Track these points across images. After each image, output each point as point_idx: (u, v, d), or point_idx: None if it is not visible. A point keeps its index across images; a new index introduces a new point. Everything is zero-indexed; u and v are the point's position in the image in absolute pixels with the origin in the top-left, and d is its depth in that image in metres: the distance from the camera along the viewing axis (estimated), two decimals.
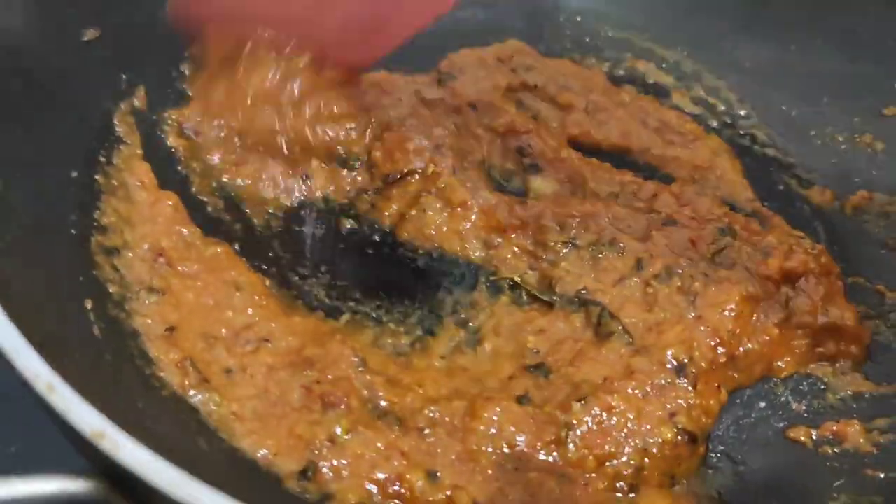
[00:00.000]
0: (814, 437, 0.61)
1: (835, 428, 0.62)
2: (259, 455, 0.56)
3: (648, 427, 0.59)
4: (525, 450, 0.58)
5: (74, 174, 0.65)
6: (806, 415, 0.63)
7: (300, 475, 0.55)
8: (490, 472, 0.57)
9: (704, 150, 0.79)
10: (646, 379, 0.61)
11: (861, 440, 0.61)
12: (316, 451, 0.56)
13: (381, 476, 0.55)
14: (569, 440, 0.58)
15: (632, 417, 0.59)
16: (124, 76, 0.71)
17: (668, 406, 0.60)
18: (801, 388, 0.65)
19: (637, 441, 0.59)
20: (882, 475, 0.59)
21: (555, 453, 0.58)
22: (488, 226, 0.70)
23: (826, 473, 0.60)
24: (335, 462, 0.56)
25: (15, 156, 0.59)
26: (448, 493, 0.56)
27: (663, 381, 0.61)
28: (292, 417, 0.58)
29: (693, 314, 0.64)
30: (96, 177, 0.67)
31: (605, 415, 0.59)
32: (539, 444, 0.58)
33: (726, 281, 0.65)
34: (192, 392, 0.58)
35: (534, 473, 0.57)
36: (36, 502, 0.35)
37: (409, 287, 0.68)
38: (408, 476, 0.56)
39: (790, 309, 0.66)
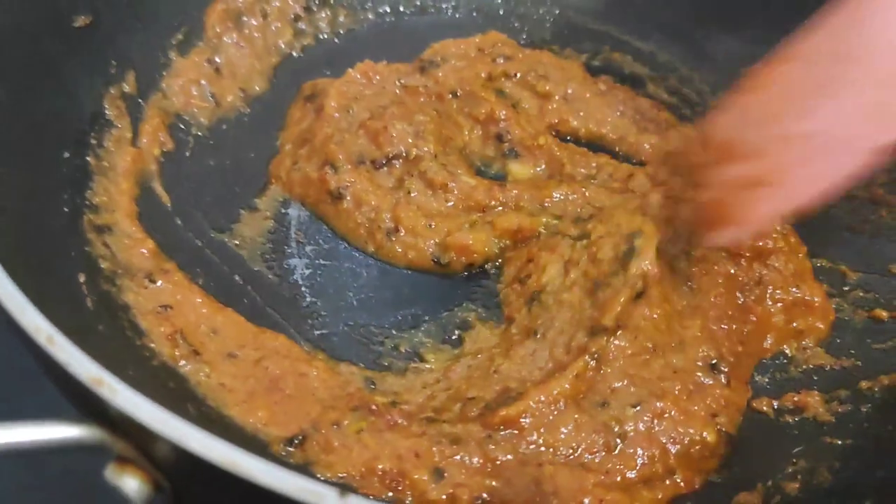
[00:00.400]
0: (775, 407, 0.64)
1: (796, 398, 0.64)
2: (249, 422, 0.58)
3: (692, 430, 0.60)
4: (572, 457, 0.58)
5: (66, 155, 0.67)
6: (769, 387, 0.66)
7: (287, 441, 0.58)
8: (504, 470, 0.57)
9: (678, 137, 0.82)
10: (688, 378, 0.62)
11: (821, 409, 0.64)
12: (314, 428, 0.58)
13: (382, 467, 0.56)
14: (617, 447, 0.59)
15: (680, 419, 0.60)
16: (114, 62, 0.74)
17: (711, 406, 0.61)
18: (765, 362, 0.67)
19: (680, 445, 0.59)
20: (840, 442, 0.61)
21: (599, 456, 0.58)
22: (468, 207, 0.73)
23: (787, 440, 0.62)
24: (335, 443, 0.57)
25: (6, 136, 0.61)
26: (451, 491, 0.55)
27: (702, 380, 0.62)
28: (301, 400, 0.60)
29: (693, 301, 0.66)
30: (87, 158, 0.69)
31: (656, 420, 0.59)
32: (587, 452, 0.58)
33: (703, 261, 0.68)
34: (182, 362, 0.60)
35: (550, 466, 0.57)
36: (38, 448, 0.37)
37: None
38: (414, 474, 0.56)
39: (763, 285, 0.69)
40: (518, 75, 0.85)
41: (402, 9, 0.91)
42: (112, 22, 0.73)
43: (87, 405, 0.37)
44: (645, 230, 0.63)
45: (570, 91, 0.83)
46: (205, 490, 0.40)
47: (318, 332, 0.67)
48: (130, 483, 0.39)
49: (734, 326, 0.66)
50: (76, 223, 0.65)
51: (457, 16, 0.93)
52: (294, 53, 0.87)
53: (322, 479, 0.55)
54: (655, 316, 0.62)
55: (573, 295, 0.64)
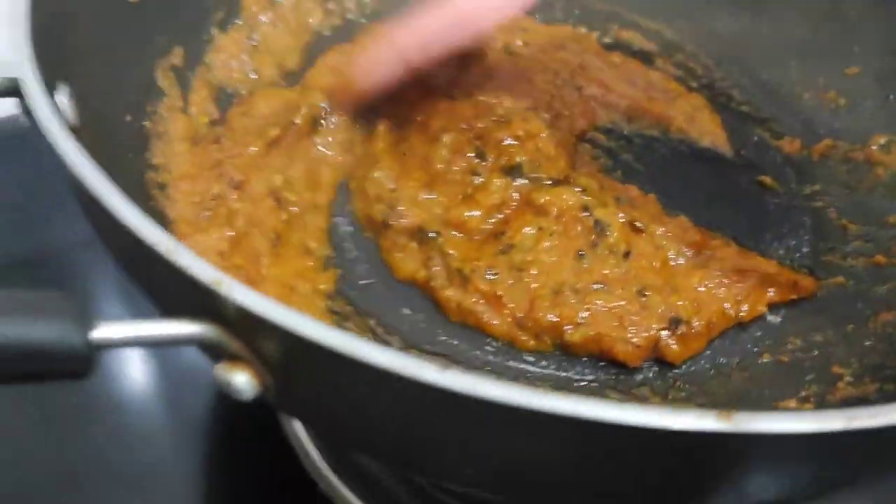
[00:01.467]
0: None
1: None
2: None
3: None
4: None
5: (128, 118, 0.72)
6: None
7: None
8: None
9: (686, 105, 0.88)
10: None
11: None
12: None
13: None
14: None
15: None
16: (164, 37, 0.79)
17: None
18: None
19: None
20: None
21: None
22: None
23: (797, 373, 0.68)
24: None
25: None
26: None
27: None
28: None
29: None
30: (145, 123, 0.74)
31: None
32: None
33: None
34: None
35: None
36: (162, 341, 0.42)
37: None
38: None
39: None
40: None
41: None
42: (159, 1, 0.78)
43: (205, 305, 0.42)
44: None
45: (586, 61, 0.89)
46: (307, 382, 0.45)
47: None
48: (240, 378, 0.44)
49: None
50: (140, 181, 0.70)
51: None
52: (325, 33, 0.92)
53: None
54: None
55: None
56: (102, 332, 0.41)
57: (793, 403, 0.65)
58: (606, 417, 0.38)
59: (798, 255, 0.77)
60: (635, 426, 0.37)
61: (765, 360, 0.69)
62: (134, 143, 0.72)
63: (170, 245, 0.43)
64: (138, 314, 0.84)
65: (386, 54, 0.70)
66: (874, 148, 0.82)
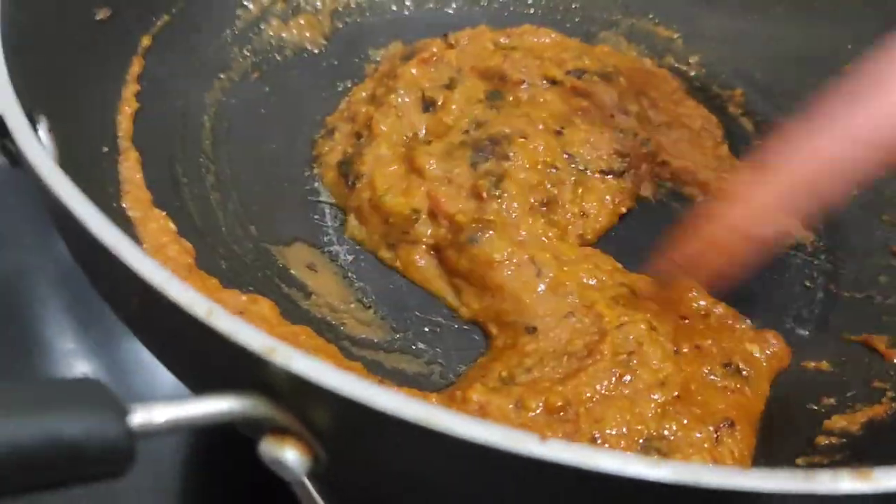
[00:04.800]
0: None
1: None
2: None
3: None
4: None
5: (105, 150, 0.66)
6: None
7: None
8: None
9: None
10: None
11: None
12: None
13: None
14: None
15: None
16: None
17: None
18: None
19: None
20: None
21: None
22: None
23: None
24: None
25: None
26: None
27: None
28: None
29: None
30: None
31: None
32: None
33: None
34: None
35: None
36: (199, 423, 0.36)
37: None
38: None
39: None
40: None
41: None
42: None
43: (252, 374, 0.37)
44: None
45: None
46: (366, 452, 0.40)
47: None
48: (290, 454, 0.39)
49: None
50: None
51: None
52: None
53: None
54: None
55: None
56: (141, 416, 0.35)
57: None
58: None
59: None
60: None
61: None
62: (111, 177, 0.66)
63: (208, 307, 0.38)
64: (95, 347, 0.77)
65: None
66: None
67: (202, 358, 0.40)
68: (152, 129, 0.70)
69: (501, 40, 0.84)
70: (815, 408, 0.63)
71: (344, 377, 0.36)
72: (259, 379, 0.38)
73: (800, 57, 0.88)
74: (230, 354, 0.37)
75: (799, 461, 0.59)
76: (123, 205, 0.64)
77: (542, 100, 0.76)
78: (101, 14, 0.68)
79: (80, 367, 0.78)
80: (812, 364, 0.66)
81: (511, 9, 0.93)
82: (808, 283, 0.72)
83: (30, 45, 0.56)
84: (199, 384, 0.44)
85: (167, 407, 0.36)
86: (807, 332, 0.69)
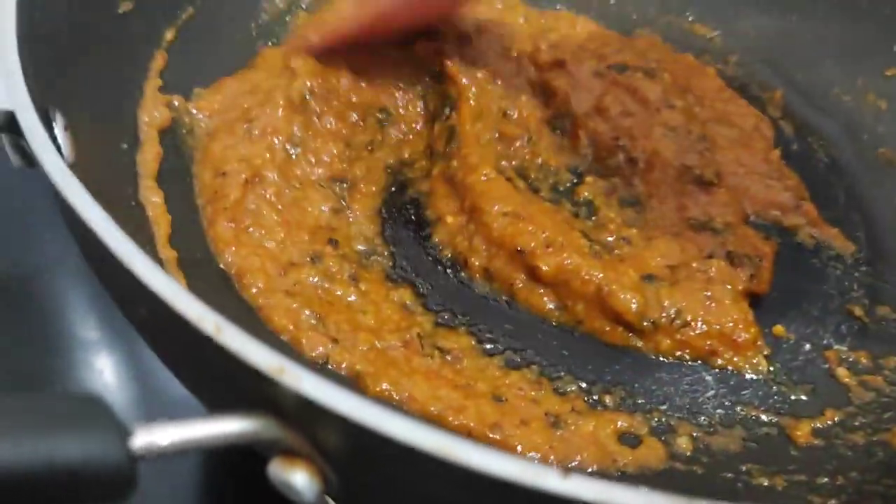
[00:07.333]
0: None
1: None
2: None
3: None
4: None
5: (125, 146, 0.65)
6: None
7: None
8: None
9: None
10: None
11: None
12: None
13: None
14: None
15: None
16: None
17: None
18: None
19: None
20: None
21: None
22: None
23: None
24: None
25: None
26: None
27: None
28: None
29: None
30: None
31: None
32: None
33: None
34: None
35: None
36: (207, 445, 0.35)
37: None
38: None
39: None
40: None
41: None
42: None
43: (259, 394, 0.35)
44: None
45: None
46: (379, 478, 0.38)
47: None
48: (300, 478, 0.37)
49: None
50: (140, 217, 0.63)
51: None
52: None
53: None
54: None
55: None
56: (143, 438, 0.33)
57: None
58: None
59: None
60: None
61: None
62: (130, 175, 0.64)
63: (217, 322, 0.36)
64: (118, 339, 0.76)
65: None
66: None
67: (212, 375, 0.39)
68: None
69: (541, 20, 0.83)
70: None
71: (356, 401, 0.34)
72: (268, 399, 0.36)
73: (843, 58, 0.85)
74: (239, 373, 0.36)
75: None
76: (142, 202, 0.63)
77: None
78: (124, 6, 0.66)
79: (103, 358, 0.77)
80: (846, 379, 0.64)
81: None
82: (847, 296, 0.69)
83: (48, 39, 0.55)
84: (212, 401, 0.42)
85: (171, 428, 0.34)
86: (845, 348, 0.66)
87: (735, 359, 0.62)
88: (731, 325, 0.62)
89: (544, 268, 0.63)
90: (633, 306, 0.62)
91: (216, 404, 0.37)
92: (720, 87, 0.82)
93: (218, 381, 0.39)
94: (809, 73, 0.86)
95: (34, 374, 0.75)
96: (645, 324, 0.62)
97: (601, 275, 0.62)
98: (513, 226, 0.65)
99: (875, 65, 0.84)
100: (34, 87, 0.47)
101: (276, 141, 0.68)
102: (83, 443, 0.31)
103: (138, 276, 0.37)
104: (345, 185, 0.69)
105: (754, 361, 0.63)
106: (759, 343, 0.63)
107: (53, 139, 0.46)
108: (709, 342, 0.62)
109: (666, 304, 0.62)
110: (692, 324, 0.62)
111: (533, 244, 0.64)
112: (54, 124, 0.51)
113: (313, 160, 0.68)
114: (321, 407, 0.34)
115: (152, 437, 0.34)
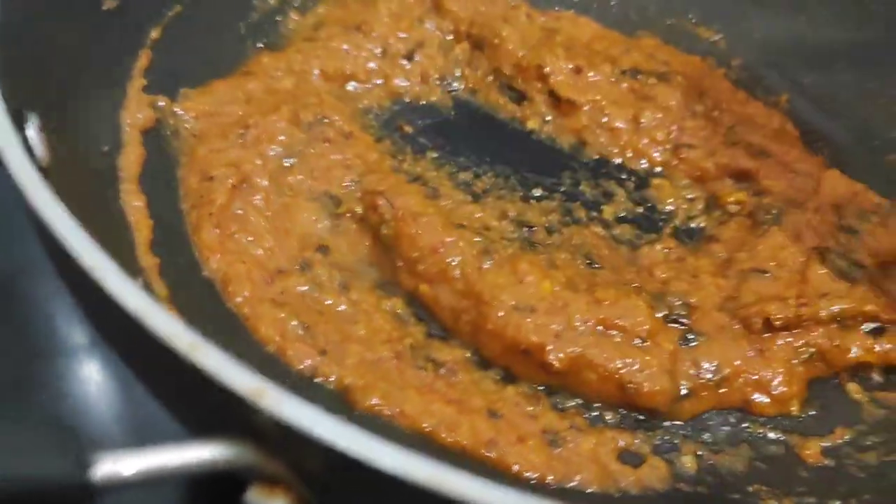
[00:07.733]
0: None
1: None
2: None
3: None
4: None
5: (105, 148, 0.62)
6: None
7: None
8: None
9: None
10: None
11: None
12: None
13: None
14: None
15: None
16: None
17: None
18: None
19: None
20: None
21: None
22: None
23: None
24: None
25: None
26: None
27: None
28: None
29: None
30: None
31: None
32: None
33: None
34: None
35: None
36: (181, 473, 0.32)
37: None
38: None
39: None
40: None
41: None
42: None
43: (237, 418, 0.32)
44: None
45: None
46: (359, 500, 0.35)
47: None
48: None
49: None
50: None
51: None
52: None
53: None
54: None
55: None
56: (105, 468, 0.31)
57: None
58: None
59: None
60: None
61: None
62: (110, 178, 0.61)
63: (191, 340, 0.33)
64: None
65: None
66: None
67: (188, 397, 0.36)
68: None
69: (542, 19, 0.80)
70: None
71: (342, 428, 0.32)
72: (247, 423, 0.33)
73: (852, 62, 0.82)
74: (215, 396, 0.33)
75: None
76: (123, 207, 0.60)
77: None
78: (108, 3, 0.64)
79: (89, 364, 0.74)
80: None
81: None
82: None
83: (27, 37, 0.52)
84: (188, 423, 0.40)
85: (138, 457, 0.32)
86: None
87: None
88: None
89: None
90: None
91: (193, 427, 0.35)
92: (732, 89, 0.80)
93: (194, 403, 0.36)
94: (818, 76, 0.83)
95: (19, 381, 0.72)
96: None
97: None
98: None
99: (887, 67, 0.81)
100: (5, 85, 0.44)
101: (272, 150, 0.65)
102: (41, 470, 0.29)
103: (105, 287, 0.35)
104: (340, 200, 0.66)
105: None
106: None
107: (24, 140, 0.43)
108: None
109: None
110: None
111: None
112: (27, 125, 0.48)
113: (313, 174, 0.66)
114: (304, 434, 0.32)
115: (116, 466, 0.31)
